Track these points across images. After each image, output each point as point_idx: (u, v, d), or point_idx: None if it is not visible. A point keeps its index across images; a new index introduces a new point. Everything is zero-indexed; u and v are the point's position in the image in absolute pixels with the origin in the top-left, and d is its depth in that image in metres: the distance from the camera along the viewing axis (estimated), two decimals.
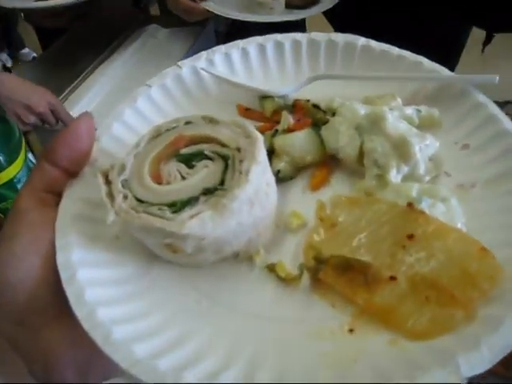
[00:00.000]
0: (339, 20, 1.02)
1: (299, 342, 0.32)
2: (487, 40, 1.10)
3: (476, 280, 0.31)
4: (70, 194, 0.38)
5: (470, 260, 0.32)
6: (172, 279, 0.36)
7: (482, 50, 1.12)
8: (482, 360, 0.28)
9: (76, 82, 1.20)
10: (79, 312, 0.32)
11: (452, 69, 0.46)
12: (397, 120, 0.39)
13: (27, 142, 1.10)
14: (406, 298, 0.32)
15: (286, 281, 0.35)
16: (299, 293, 0.35)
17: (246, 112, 0.45)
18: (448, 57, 1.31)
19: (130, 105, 0.44)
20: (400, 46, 0.47)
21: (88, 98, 1.17)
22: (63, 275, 0.34)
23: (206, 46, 1.54)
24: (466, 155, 0.41)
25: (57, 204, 0.37)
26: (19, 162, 0.81)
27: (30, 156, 0.87)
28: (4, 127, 0.81)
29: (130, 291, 0.35)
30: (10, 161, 0.80)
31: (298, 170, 0.41)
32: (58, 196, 0.38)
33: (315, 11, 1.10)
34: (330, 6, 1.09)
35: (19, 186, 0.82)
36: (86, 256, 0.35)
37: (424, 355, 0.29)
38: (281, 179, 0.40)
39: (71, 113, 1.12)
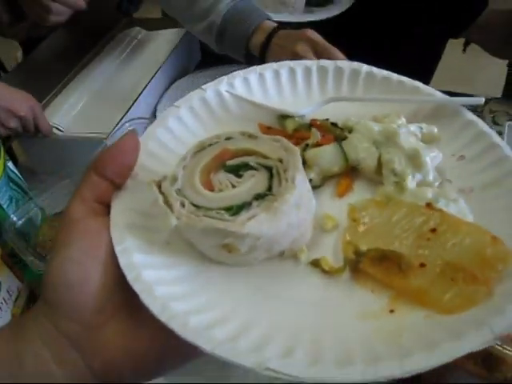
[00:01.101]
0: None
1: (347, 322, 0.37)
2: (467, 42, 1.20)
3: (491, 262, 0.38)
4: (119, 204, 0.41)
5: (485, 247, 0.38)
6: (225, 277, 0.40)
7: (464, 50, 1.22)
8: (509, 321, 0.34)
9: (56, 88, 1.19)
10: (153, 306, 0.35)
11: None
12: (407, 135, 0.46)
13: (9, 151, 1.08)
14: (436, 281, 0.38)
15: (330, 273, 0.40)
16: (342, 283, 0.40)
17: (268, 130, 0.50)
18: (427, 68, 1.43)
19: (161, 124, 0.48)
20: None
21: (69, 104, 1.16)
22: (129, 276, 0.37)
23: (190, 48, 1.56)
24: (463, 165, 0.48)
25: (107, 213, 0.41)
26: None
27: (10, 165, 0.86)
28: None
29: (189, 289, 0.39)
30: None
31: (324, 179, 0.46)
32: (106, 206, 0.41)
33: (335, 12, 1.16)
34: (349, 4, 1.17)
35: None
36: (146, 259, 0.39)
37: (459, 324, 0.35)
38: (312, 187, 0.45)
39: (53, 119, 1.11)
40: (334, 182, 0.47)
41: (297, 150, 0.41)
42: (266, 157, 0.42)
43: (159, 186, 0.41)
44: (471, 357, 0.56)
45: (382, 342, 0.35)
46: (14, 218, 0.78)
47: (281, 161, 0.41)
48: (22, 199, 0.84)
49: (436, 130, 0.50)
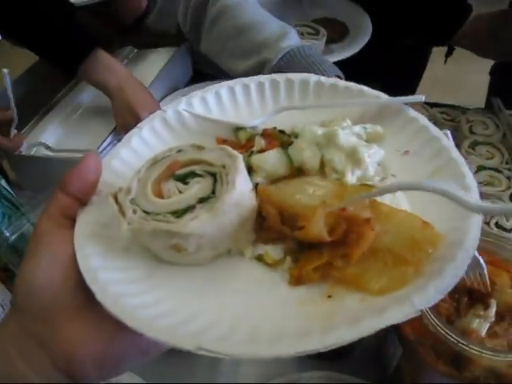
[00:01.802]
0: None
1: (286, 308, 0.40)
2: (449, 52, 1.23)
3: (421, 245, 0.40)
4: (83, 217, 0.45)
5: (415, 231, 0.41)
6: (176, 275, 0.43)
7: (445, 62, 1.24)
8: (430, 297, 0.36)
9: (47, 105, 1.24)
10: (106, 302, 0.38)
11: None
12: (348, 136, 0.49)
13: (0, 169, 1.12)
14: (370, 266, 0.40)
15: (273, 266, 0.43)
16: (284, 275, 0.42)
17: (224, 142, 0.54)
18: (412, 79, 1.45)
19: (124, 144, 0.53)
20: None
21: (58, 121, 1.20)
22: (87, 277, 0.40)
23: (182, 66, 1.55)
24: (407, 159, 0.51)
25: (71, 227, 0.45)
26: None
27: (3, 182, 0.90)
28: None
29: (141, 288, 0.42)
30: None
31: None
32: (71, 220, 0.45)
33: (353, 51, 1.12)
34: (365, 41, 1.13)
35: None
36: (104, 262, 0.42)
37: (386, 302, 0.37)
38: None
39: (41, 136, 1.14)
40: None
41: (238, 155, 0.45)
42: (211, 164, 0.45)
43: (115, 198, 0.45)
44: (441, 357, 0.57)
45: (314, 322, 0.37)
46: (7, 234, 0.81)
47: (224, 166, 0.44)
48: (14, 215, 0.86)
49: (380, 128, 0.53)
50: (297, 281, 0.41)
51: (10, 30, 1.13)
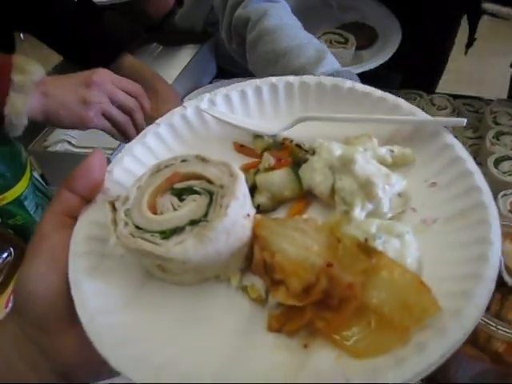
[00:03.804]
0: None
1: (261, 352, 0.38)
2: (469, 43, 1.15)
3: (412, 310, 0.36)
4: (84, 217, 0.45)
5: (410, 293, 0.36)
6: (162, 294, 0.43)
7: (466, 53, 1.17)
8: (404, 376, 0.32)
9: None
10: (82, 317, 0.39)
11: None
12: (367, 161, 0.44)
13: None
14: (352, 323, 0.37)
15: (256, 301, 0.41)
16: (266, 314, 0.40)
17: (241, 148, 0.51)
18: (435, 71, 1.35)
19: (139, 141, 0.51)
20: None
21: None
22: (72, 286, 0.41)
23: (205, 64, 1.55)
24: (433, 193, 0.45)
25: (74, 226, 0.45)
26: (25, 180, 0.89)
27: (36, 174, 0.94)
28: (10, 148, 0.88)
29: (121, 303, 0.42)
30: (17, 179, 0.87)
31: (278, 203, 0.46)
32: (75, 219, 0.45)
33: (382, 60, 1.08)
34: (394, 48, 1.09)
35: (26, 203, 0.90)
36: (93, 271, 0.42)
37: (357, 369, 0.34)
38: (262, 211, 0.45)
39: (66, 132, 1.19)
40: (289, 207, 0.46)
41: (241, 175, 0.42)
42: (210, 181, 0.43)
43: (113, 205, 0.44)
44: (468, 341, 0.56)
45: (278, 375, 0.35)
46: None
47: (222, 187, 0.42)
48: (46, 206, 0.91)
49: (411, 152, 0.47)
50: (275, 331, 0.39)
51: (35, 30, 1.16)
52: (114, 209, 0.44)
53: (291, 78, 0.54)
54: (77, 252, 0.43)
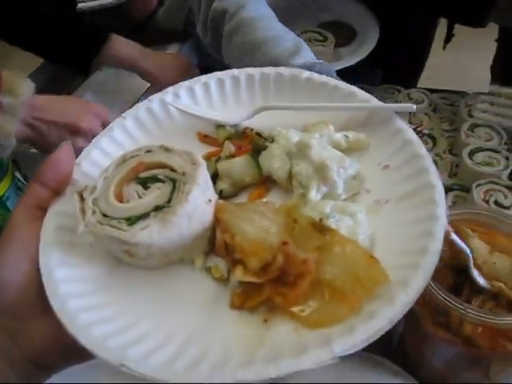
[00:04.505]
0: None
1: (225, 327, 0.40)
2: (448, 38, 1.17)
3: (363, 282, 0.38)
4: (54, 208, 0.47)
5: (360, 267, 0.39)
6: (131, 278, 0.45)
7: (444, 47, 1.21)
8: (354, 342, 0.35)
9: None
10: (54, 302, 0.41)
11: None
12: (322, 147, 0.47)
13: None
14: (308, 297, 0.39)
15: (219, 281, 0.43)
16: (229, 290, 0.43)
17: (205, 138, 0.53)
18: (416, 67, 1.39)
19: (106, 134, 0.53)
20: None
21: None
22: (43, 273, 0.42)
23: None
24: (386, 175, 0.48)
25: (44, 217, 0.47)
26: (7, 180, 0.89)
27: (18, 175, 0.95)
28: None
29: (91, 288, 0.44)
30: None
31: (239, 189, 0.49)
32: (45, 211, 0.47)
33: (361, 56, 1.11)
34: (373, 45, 1.12)
35: (8, 203, 0.90)
36: (63, 258, 0.44)
37: (313, 339, 0.37)
38: (225, 197, 0.48)
39: None
40: (250, 191, 0.49)
41: (202, 163, 0.44)
42: (174, 170, 0.45)
43: (81, 195, 0.46)
44: (440, 325, 0.60)
45: (240, 350, 0.38)
46: None
47: (184, 174, 0.44)
48: None
49: (365, 137, 0.50)
50: (237, 308, 0.41)
51: (13, 36, 1.15)
52: (82, 199, 0.46)
53: (252, 70, 0.56)
54: (47, 241, 0.44)
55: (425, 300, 0.60)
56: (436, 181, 0.45)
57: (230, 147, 0.49)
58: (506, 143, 0.96)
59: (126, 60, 1.18)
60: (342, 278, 0.39)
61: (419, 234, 0.42)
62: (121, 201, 0.45)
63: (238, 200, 0.48)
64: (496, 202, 0.85)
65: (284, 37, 0.81)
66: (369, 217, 0.45)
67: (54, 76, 1.33)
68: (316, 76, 0.55)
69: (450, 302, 0.57)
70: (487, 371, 0.60)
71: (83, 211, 0.44)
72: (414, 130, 0.90)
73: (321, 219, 0.42)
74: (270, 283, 0.40)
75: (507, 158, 0.92)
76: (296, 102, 0.54)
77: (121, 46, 1.17)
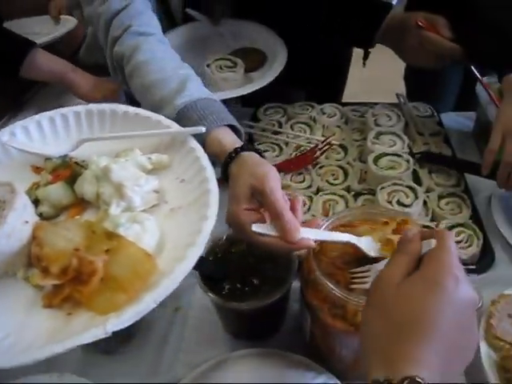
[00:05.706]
0: None
1: (38, 323, 0.50)
2: (365, 55, 1.27)
3: (141, 275, 0.49)
4: None
5: (138, 263, 0.50)
6: None
7: (364, 64, 1.29)
8: (123, 320, 0.46)
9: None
10: None
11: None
12: (123, 169, 0.58)
13: None
14: (100, 291, 0.50)
15: (37, 287, 0.53)
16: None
17: (37, 170, 0.63)
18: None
19: None
20: None
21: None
22: None
23: None
24: (182, 187, 0.60)
25: None
26: None
27: None
28: None
29: None
30: None
31: (60, 210, 0.59)
32: None
33: (270, 78, 1.15)
34: (281, 67, 1.17)
35: None
36: None
37: (100, 323, 0.47)
38: (46, 218, 0.58)
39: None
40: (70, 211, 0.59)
41: (19, 191, 0.54)
42: None
43: None
44: (336, 316, 0.63)
45: (43, 337, 0.48)
46: None
47: (4, 202, 0.54)
48: None
49: (167, 157, 0.61)
50: (48, 306, 0.51)
51: None
52: None
53: (79, 108, 0.67)
54: None
55: (323, 295, 0.64)
56: (214, 187, 0.57)
57: (46, 177, 0.59)
58: (409, 147, 1.07)
59: (55, 73, 1.21)
60: (124, 274, 0.50)
61: (193, 232, 0.53)
62: None
63: (59, 219, 0.59)
64: (398, 202, 0.92)
65: (170, 78, 0.84)
66: (165, 222, 0.56)
67: None
68: (131, 109, 0.66)
69: (345, 296, 0.60)
70: None
71: None
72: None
73: (114, 229, 0.53)
74: (70, 283, 0.50)
75: (408, 161, 1.01)
76: (115, 133, 0.64)
77: (49, 58, 1.21)
